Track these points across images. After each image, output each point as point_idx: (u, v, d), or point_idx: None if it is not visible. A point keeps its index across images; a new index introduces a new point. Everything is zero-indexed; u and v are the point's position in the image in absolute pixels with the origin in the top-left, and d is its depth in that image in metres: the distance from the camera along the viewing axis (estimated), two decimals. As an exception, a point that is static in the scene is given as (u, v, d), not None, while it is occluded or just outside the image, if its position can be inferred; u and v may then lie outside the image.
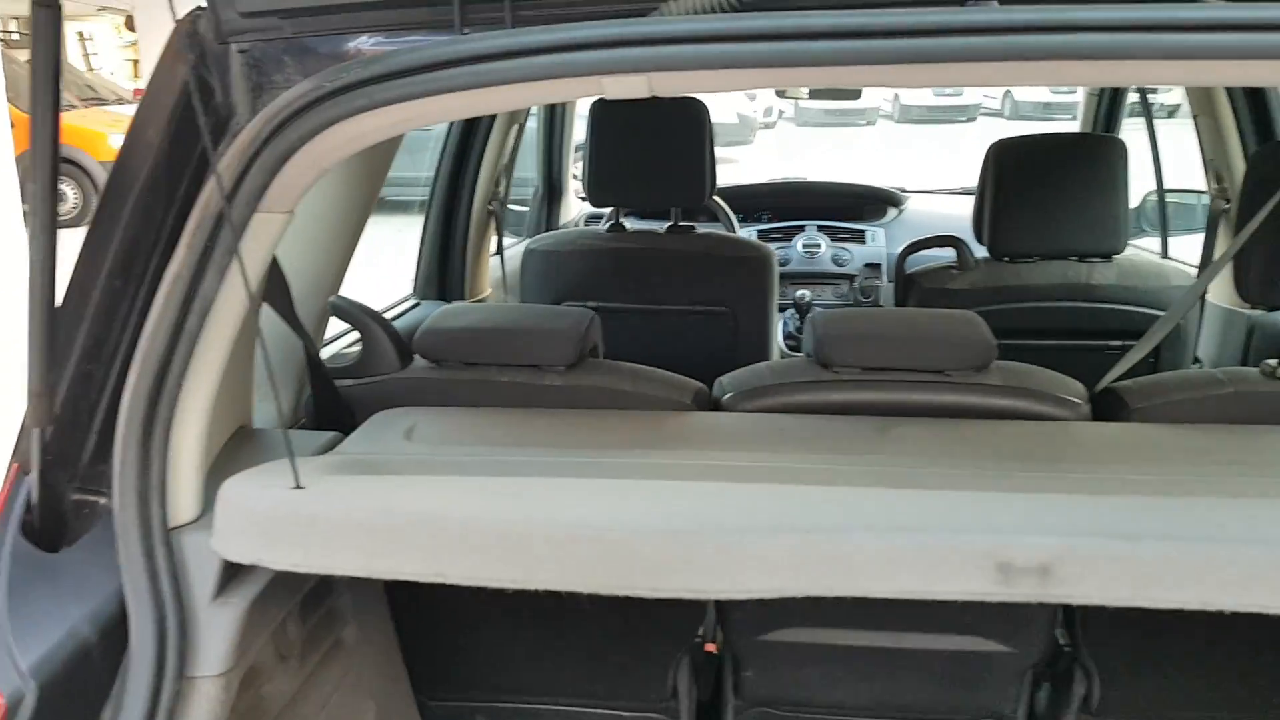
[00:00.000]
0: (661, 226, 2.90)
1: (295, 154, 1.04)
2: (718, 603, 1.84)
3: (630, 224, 3.06)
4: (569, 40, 0.97)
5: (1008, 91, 19.99)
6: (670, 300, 2.79)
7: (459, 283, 2.94)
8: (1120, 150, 2.46)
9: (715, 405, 1.71)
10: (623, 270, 2.81)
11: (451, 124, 2.85)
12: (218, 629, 1.16)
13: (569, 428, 1.53)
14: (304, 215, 1.59)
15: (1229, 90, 2.73)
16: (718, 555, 0.98)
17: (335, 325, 1.95)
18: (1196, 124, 2.86)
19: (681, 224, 2.86)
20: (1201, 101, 2.81)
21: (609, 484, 1.14)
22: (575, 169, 3.99)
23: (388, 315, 2.66)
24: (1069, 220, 2.46)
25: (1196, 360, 2.68)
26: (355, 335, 1.85)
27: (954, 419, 1.57)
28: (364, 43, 1.08)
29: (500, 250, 3.10)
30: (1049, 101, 17.74)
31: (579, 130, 3.81)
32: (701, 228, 2.94)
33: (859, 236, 3.99)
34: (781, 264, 3.88)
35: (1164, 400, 1.55)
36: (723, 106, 16.68)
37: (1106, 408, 1.60)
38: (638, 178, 2.67)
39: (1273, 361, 1.58)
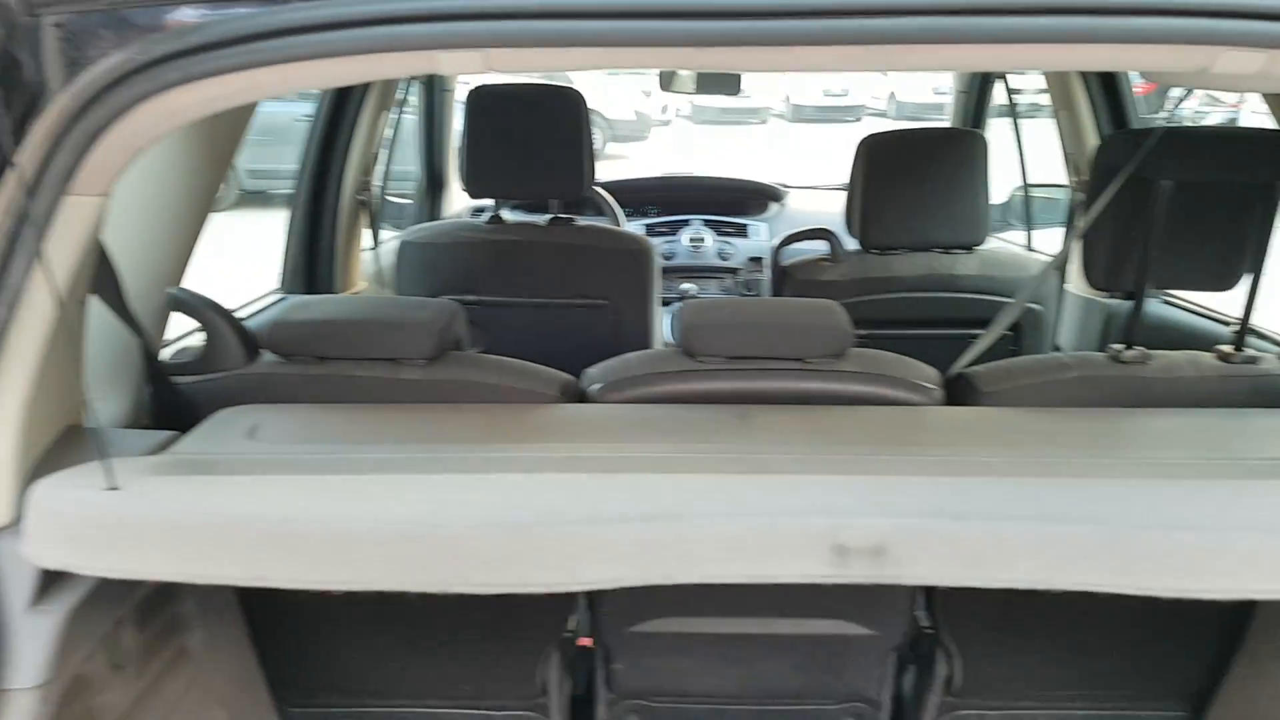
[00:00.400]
0: (542, 219, 2.87)
1: (106, 132, 0.97)
2: (588, 596, 1.82)
3: (511, 216, 3.02)
4: (399, 12, 0.93)
5: (892, 93, 20.54)
6: (551, 293, 2.76)
7: (328, 276, 2.85)
8: (981, 145, 2.53)
9: (582, 397, 1.69)
10: (502, 263, 2.76)
11: (318, 111, 2.76)
12: (34, 638, 1.09)
13: (425, 423, 1.49)
14: (141, 204, 1.51)
15: (1086, 84, 2.83)
16: (555, 547, 0.96)
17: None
18: (1057, 119, 2.96)
19: (562, 216, 2.83)
20: (1061, 96, 2.91)
21: (450, 479, 1.10)
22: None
23: (250, 309, 2.57)
24: (934, 213, 2.52)
25: (1056, 348, 2.77)
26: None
27: (813, 405, 1.59)
28: (184, 14, 1.03)
29: (375, 243, 3.02)
30: (932, 102, 18.26)
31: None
32: (585, 221, 2.92)
33: (743, 231, 4.03)
34: (667, 258, 3.89)
35: (1012, 385, 1.59)
36: (621, 104, 16.74)
37: (959, 392, 1.64)
38: (515, 169, 2.63)
39: (1118, 346, 1.64)
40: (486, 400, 1.61)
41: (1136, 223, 1.53)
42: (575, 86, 2.66)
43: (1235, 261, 1.60)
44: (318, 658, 1.84)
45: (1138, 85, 2.87)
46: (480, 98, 2.56)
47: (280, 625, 1.77)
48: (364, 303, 1.71)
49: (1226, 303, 2.02)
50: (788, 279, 2.70)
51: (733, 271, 3.95)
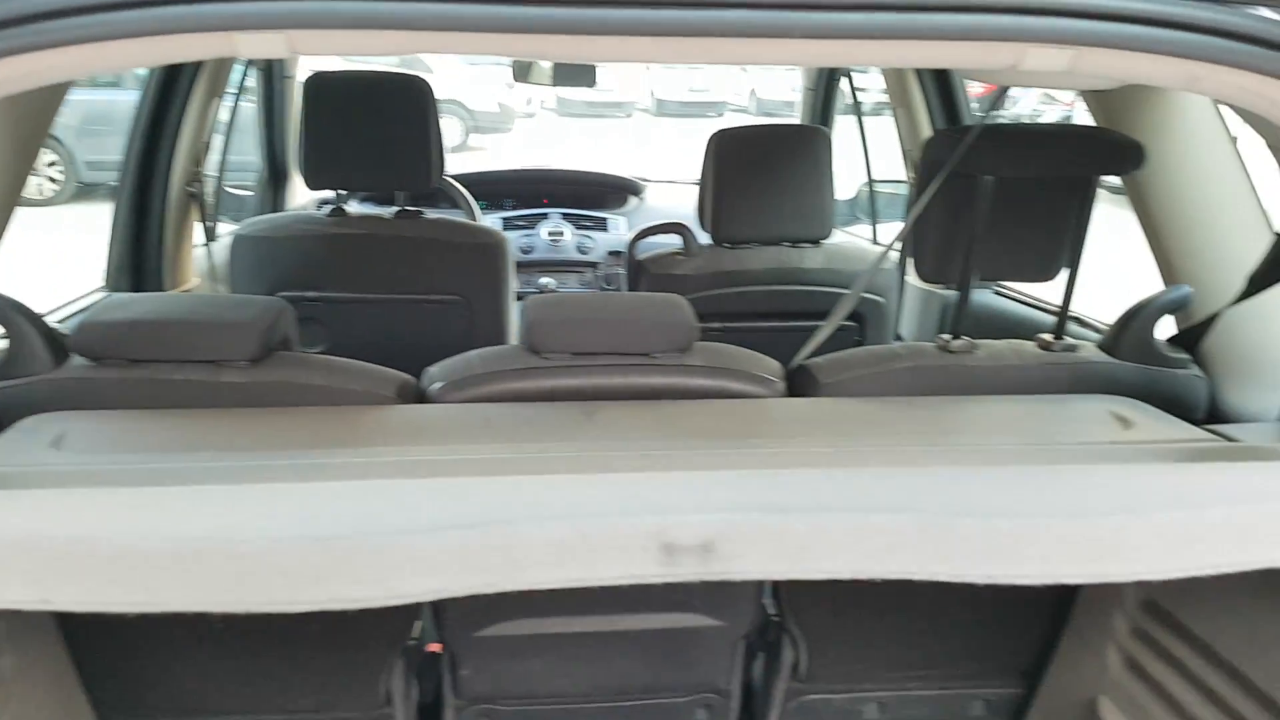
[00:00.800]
0: (389, 211, 2.78)
1: None
2: (432, 601, 1.77)
3: (358, 209, 2.91)
4: None
5: (753, 90, 20.93)
6: (400, 289, 2.68)
7: (156, 273, 2.69)
8: (826, 141, 2.57)
9: (421, 397, 1.63)
10: (346, 258, 2.66)
11: (143, 97, 2.60)
12: None
13: (247, 429, 1.41)
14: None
15: (921, 82, 2.92)
16: (371, 559, 0.92)
17: None
18: (895, 116, 3.04)
19: (410, 209, 2.75)
20: (898, 94, 2.99)
21: (263, 489, 1.04)
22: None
23: (71, 309, 2.40)
24: (781, 207, 2.55)
25: (899, 337, 2.86)
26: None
27: (658, 400, 1.58)
28: None
29: (210, 238, 2.87)
30: (791, 100, 18.65)
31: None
32: (436, 214, 2.85)
33: (602, 224, 4.01)
34: (525, 251, 3.84)
35: (849, 375, 1.62)
36: (484, 95, 16.52)
37: (800, 384, 1.66)
38: (358, 159, 2.54)
39: (946, 336, 1.68)
40: (316, 403, 1.54)
41: (961, 217, 1.58)
42: (426, 75, 2.58)
43: (1055, 253, 1.67)
44: (145, 676, 1.73)
45: (979, 87, 2.98)
46: (318, 84, 2.46)
47: (103, 643, 1.66)
48: (183, 301, 1.61)
49: (1054, 292, 2.12)
50: (643, 273, 2.69)
51: (592, 265, 3.93)
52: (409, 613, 1.74)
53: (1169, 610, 1.50)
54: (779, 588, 1.82)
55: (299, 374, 1.55)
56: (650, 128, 19.50)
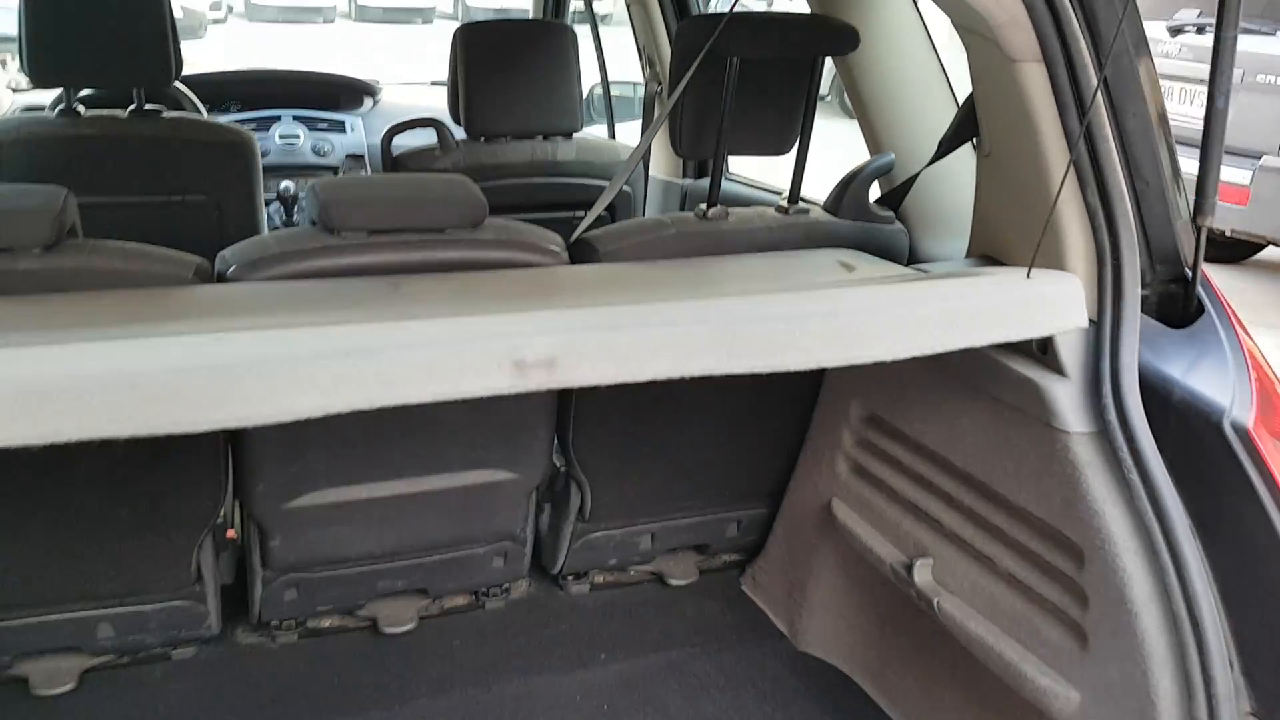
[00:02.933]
0: (123, 112, 2.65)
1: None
2: (236, 479, 1.83)
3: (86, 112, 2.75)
4: None
5: (461, -3, 20.49)
6: (144, 191, 2.59)
7: None
8: (571, 36, 2.73)
9: (220, 280, 1.67)
10: (83, 161, 2.53)
11: None
12: None
13: (54, 312, 1.41)
14: None
15: None
16: (263, 383, 1.02)
17: None
18: (630, 12, 3.24)
19: (149, 108, 2.64)
20: (633, -7, 3.19)
21: (133, 342, 1.10)
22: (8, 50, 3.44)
23: None
24: (532, 101, 2.69)
25: None
26: None
27: (457, 272, 1.71)
28: None
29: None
30: (500, 8, 18.46)
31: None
32: (173, 114, 2.73)
33: (338, 126, 3.94)
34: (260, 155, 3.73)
35: (625, 243, 1.83)
36: (163, -3, 15.10)
37: (581, 254, 1.85)
38: (89, 53, 2.40)
39: (703, 206, 1.93)
40: (115, 287, 1.55)
41: (710, 97, 1.81)
42: None
43: (790, 129, 1.95)
44: None
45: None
46: None
47: None
48: None
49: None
50: (400, 169, 2.76)
51: (333, 169, 3.89)
52: (214, 493, 1.80)
53: (885, 418, 1.85)
54: (565, 441, 2.03)
55: (95, 260, 1.55)
56: (352, 33, 18.66)
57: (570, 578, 2.26)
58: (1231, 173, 5.61)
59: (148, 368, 0.99)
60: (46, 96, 3.19)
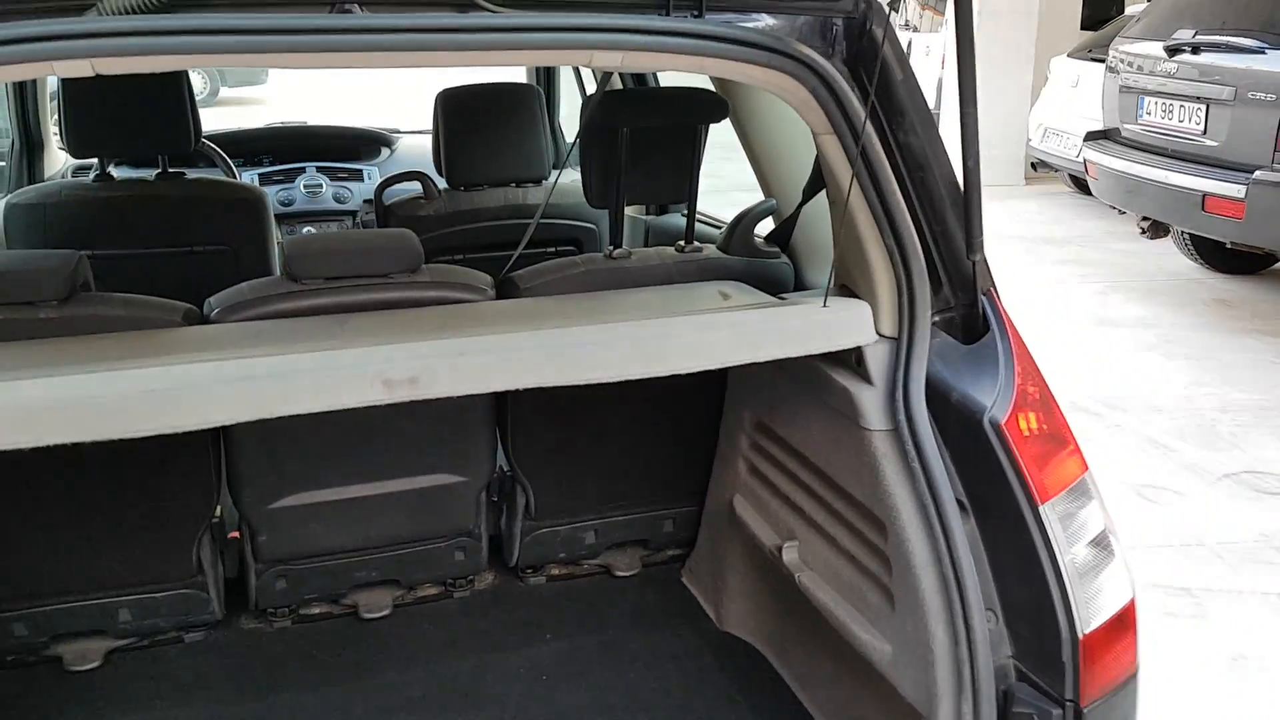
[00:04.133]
0: (151, 174, 3.08)
1: None
2: (230, 482, 2.21)
3: (119, 174, 3.18)
4: (23, 35, 1.27)
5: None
6: (170, 244, 3.00)
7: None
8: (538, 96, 3.11)
9: (204, 321, 2.05)
10: (117, 218, 2.95)
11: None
12: None
13: (66, 351, 1.79)
14: None
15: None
16: (189, 402, 1.38)
17: None
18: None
19: (172, 170, 3.06)
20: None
21: (116, 373, 1.47)
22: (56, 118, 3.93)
23: None
24: (505, 153, 3.07)
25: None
26: None
27: (398, 309, 2.07)
28: None
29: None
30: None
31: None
32: (196, 174, 3.15)
33: (357, 175, 4.36)
34: (286, 204, 4.16)
35: (540, 280, 2.17)
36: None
37: (506, 291, 2.19)
38: (117, 124, 2.82)
39: (610, 247, 2.27)
40: (119, 330, 1.93)
41: (610, 159, 2.16)
42: None
43: (683, 182, 2.28)
44: None
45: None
46: None
47: None
48: None
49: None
50: (390, 216, 3.15)
51: (351, 214, 4.30)
52: (206, 494, 2.18)
53: (768, 424, 2.16)
54: (509, 446, 2.38)
55: (101, 309, 1.94)
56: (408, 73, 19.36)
57: (528, 570, 2.60)
58: (1227, 187, 5.77)
59: (126, 390, 1.37)
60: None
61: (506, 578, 2.62)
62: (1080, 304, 6.56)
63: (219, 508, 2.25)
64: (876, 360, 1.73)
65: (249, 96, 16.61)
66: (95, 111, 2.79)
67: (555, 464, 2.43)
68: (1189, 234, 6.87)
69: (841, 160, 1.65)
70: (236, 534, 2.38)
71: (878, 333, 1.73)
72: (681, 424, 2.45)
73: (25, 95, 3.82)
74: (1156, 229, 6.73)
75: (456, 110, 3.00)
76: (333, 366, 1.47)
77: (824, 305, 1.72)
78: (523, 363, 1.52)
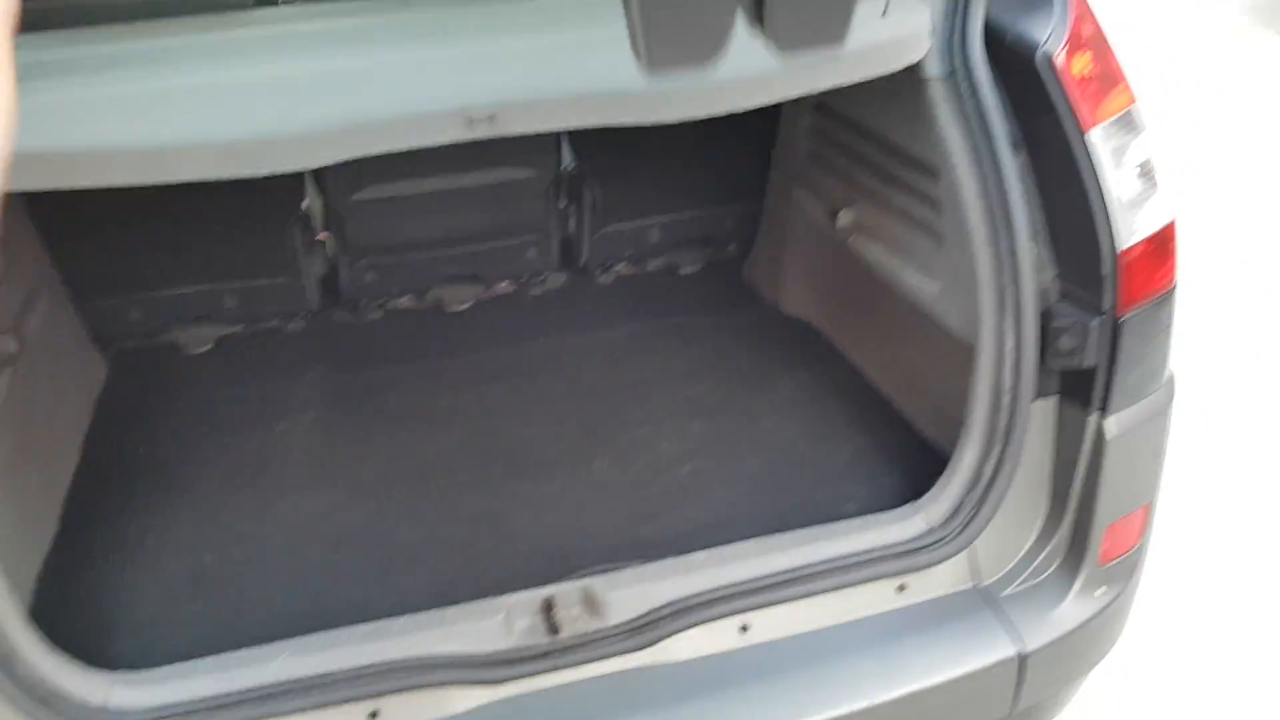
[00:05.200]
0: None
1: None
2: (316, 176, 2.35)
3: None
4: None
5: None
6: None
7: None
8: None
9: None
10: None
11: None
12: None
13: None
14: None
15: None
16: (295, 149, 1.43)
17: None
18: None
19: None
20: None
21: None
22: None
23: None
24: None
25: None
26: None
27: None
28: None
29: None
30: None
31: None
32: None
33: None
34: None
35: None
36: None
37: None
38: None
39: None
40: None
41: None
42: None
43: None
44: (106, 258, 2.29)
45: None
46: None
47: (70, 234, 2.18)
48: None
49: None
50: None
51: None
52: (296, 189, 2.32)
53: (827, 103, 2.21)
54: (576, 143, 2.47)
55: None
56: None
57: (598, 270, 2.74)
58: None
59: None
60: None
61: (577, 277, 2.77)
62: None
63: (304, 201, 2.40)
64: (935, 6, 1.75)
65: None
66: None
67: (622, 161, 2.52)
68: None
69: None
70: (325, 234, 2.53)
71: None
72: (743, 117, 2.50)
73: None
74: None
75: None
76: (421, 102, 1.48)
77: None
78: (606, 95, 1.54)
